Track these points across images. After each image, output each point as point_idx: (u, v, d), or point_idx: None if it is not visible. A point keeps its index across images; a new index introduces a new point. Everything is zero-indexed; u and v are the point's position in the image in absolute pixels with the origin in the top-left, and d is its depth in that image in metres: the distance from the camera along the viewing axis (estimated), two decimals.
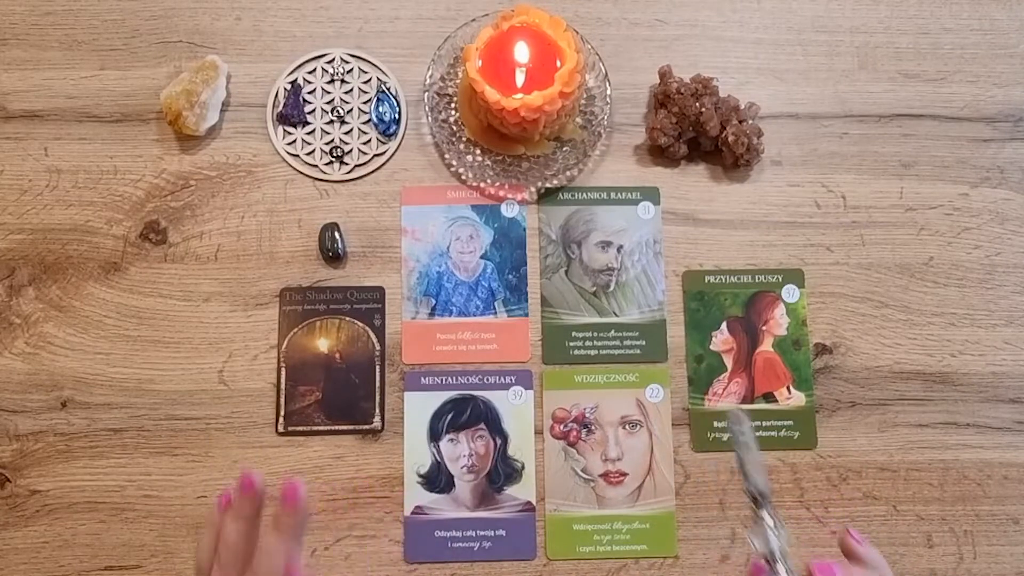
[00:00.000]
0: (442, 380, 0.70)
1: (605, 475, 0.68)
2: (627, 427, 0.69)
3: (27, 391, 0.69)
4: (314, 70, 0.75)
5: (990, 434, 0.70)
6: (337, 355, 0.70)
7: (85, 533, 0.67)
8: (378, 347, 0.70)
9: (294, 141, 0.73)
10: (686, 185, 0.74)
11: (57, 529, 0.67)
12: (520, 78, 0.67)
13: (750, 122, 0.72)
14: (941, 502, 0.69)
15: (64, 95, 0.74)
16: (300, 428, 0.69)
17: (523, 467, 0.69)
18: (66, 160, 0.73)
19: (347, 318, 0.71)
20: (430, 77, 0.73)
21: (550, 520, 0.68)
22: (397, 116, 0.74)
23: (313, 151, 0.73)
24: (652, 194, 0.74)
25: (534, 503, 0.68)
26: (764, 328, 0.71)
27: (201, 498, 0.67)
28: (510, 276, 0.72)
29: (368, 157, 0.74)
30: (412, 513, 0.68)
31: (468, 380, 0.70)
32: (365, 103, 0.75)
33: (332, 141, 0.74)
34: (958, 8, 0.78)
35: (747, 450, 0.47)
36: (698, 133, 0.72)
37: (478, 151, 0.73)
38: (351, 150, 0.74)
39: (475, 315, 0.71)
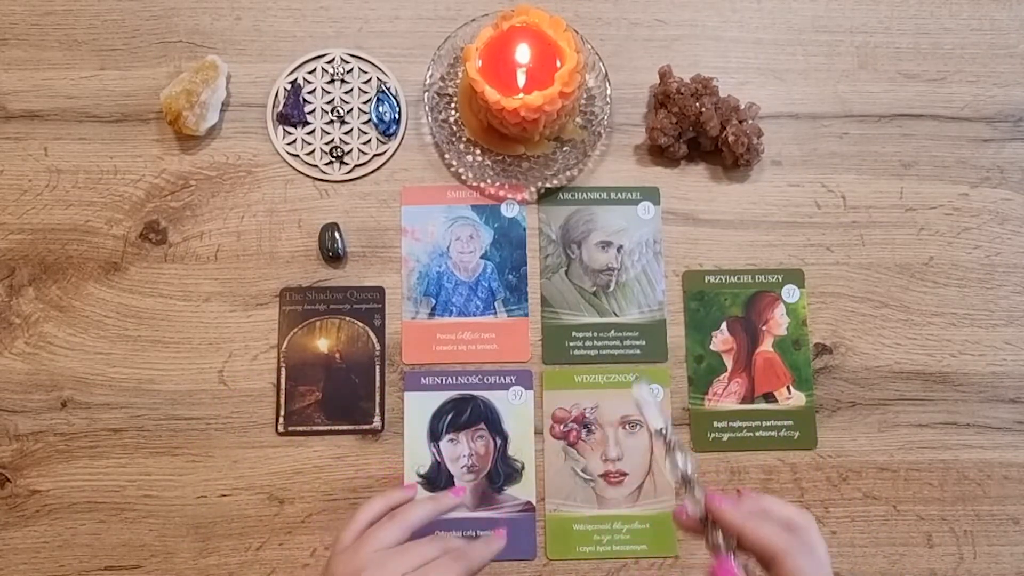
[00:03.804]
0: (442, 380, 0.70)
1: (605, 475, 0.68)
2: (627, 427, 0.69)
3: (27, 391, 0.69)
4: (314, 70, 0.75)
5: (990, 434, 0.70)
6: (337, 355, 0.70)
7: (85, 533, 0.67)
8: (378, 347, 0.70)
9: (294, 141, 0.73)
10: (686, 185, 0.74)
11: (57, 529, 0.67)
12: (520, 78, 0.67)
13: (750, 122, 0.72)
14: (941, 502, 0.69)
15: (64, 95, 0.74)
16: (300, 428, 0.69)
17: (523, 467, 0.69)
18: (66, 160, 0.73)
19: (347, 318, 0.71)
20: (430, 77, 0.73)
21: (550, 520, 0.68)
22: (397, 116, 0.74)
23: (313, 151, 0.73)
24: (652, 194, 0.74)
25: (534, 503, 0.68)
26: (764, 328, 0.71)
27: (201, 498, 0.67)
28: (510, 276, 0.72)
29: (368, 157, 0.74)
30: None
31: (468, 380, 0.70)
32: (365, 103, 0.75)
33: (332, 141, 0.74)
34: (958, 8, 0.78)
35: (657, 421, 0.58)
36: (698, 133, 0.72)
37: (478, 151, 0.73)
38: (351, 150, 0.74)
39: (475, 315, 0.71)
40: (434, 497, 0.60)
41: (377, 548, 0.53)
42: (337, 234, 0.70)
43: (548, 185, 0.73)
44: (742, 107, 0.73)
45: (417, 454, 0.68)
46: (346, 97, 0.75)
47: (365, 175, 0.73)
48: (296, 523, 0.67)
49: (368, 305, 0.71)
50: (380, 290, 0.71)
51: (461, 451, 0.69)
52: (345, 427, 0.69)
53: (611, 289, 0.72)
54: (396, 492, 0.60)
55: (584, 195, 0.74)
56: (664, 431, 0.55)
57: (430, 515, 0.57)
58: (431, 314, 0.71)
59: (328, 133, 0.74)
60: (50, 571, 0.66)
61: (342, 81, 0.75)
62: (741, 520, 0.49)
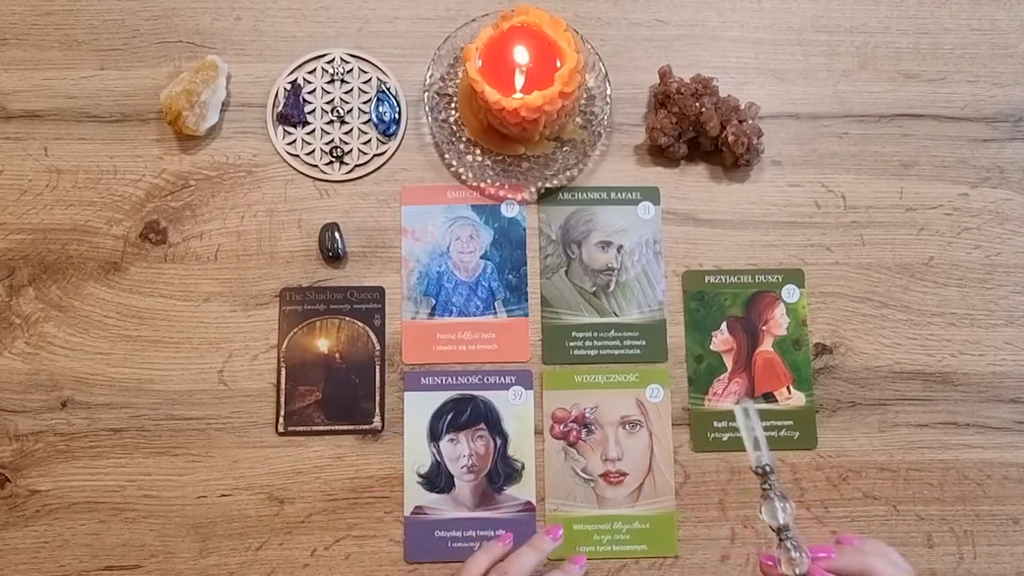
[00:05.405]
0: (442, 380, 0.70)
1: (605, 475, 0.68)
2: (627, 427, 0.69)
3: (27, 391, 0.69)
4: (314, 70, 0.75)
5: (990, 434, 0.70)
6: (337, 355, 0.70)
7: (85, 533, 0.67)
8: (378, 347, 0.70)
9: (294, 141, 0.73)
10: (686, 185, 0.74)
11: (57, 529, 0.67)
12: (520, 79, 0.67)
13: (750, 122, 0.72)
14: (941, 502, 0.69)
15: (64, 95, 0.74)
16: (300, 428, 0.69)
17: (523, 467, 0.69)
18: (66, 160, 0.73)
19: (347, 318, 0.71)
20: (430, 77, 0.73)
21: (550, 520, 0.68)
22: (397, 116, 0.74)
23: (313, 151, 0.73)
24: (652, 194, 0.74)
25: (534, 503, 0.68)
26: (764, 328, 0.71)
27: (201, 498, 0.67)
28: (510, 276, 0.72)
29: (368, 157, 0.74)
30: (412, 513, 0.68)
31: (468, 380, 0.70)
32: (365, 103, 0.75)
33: (332, 141, 0.74)
34: (958, 8, 0.78)
35: (750, 431, 0.52)
36: (698, 133, 0.72)
37: (478, 151, 0.73)
38: (351, 150, 0.74)
39: (475, 315, 0.71)
40: (532, 544, 0.63)
41: None
42: (337, 234, 0.71)
43: (548, 185, 0.73)
44: (742, 107, 0.73)
45: (417, 454, 0.68)
46: (346, 97, 0.75)
47: (365, 175, 0.73)
48: (296, 523, 0.67)
49: (368, 305, 0.71)
50: (380, 290, 0.71)
51: (461, 451, 0.69)
52: (345, 427, 0.69)
53: (611, 289, 0.72)
54: (495, 546, 0.63)
55: (584, 195, 0.74)
56: (764, 468, 0.50)
57: (535, 564, 0.61)
58: (431, 314, 0.71)
59: (328, 133, 0.74)
60: (50, 571, 0.66)
61: (342, 81, 0.75)
62: (861, 558, 0.52)
